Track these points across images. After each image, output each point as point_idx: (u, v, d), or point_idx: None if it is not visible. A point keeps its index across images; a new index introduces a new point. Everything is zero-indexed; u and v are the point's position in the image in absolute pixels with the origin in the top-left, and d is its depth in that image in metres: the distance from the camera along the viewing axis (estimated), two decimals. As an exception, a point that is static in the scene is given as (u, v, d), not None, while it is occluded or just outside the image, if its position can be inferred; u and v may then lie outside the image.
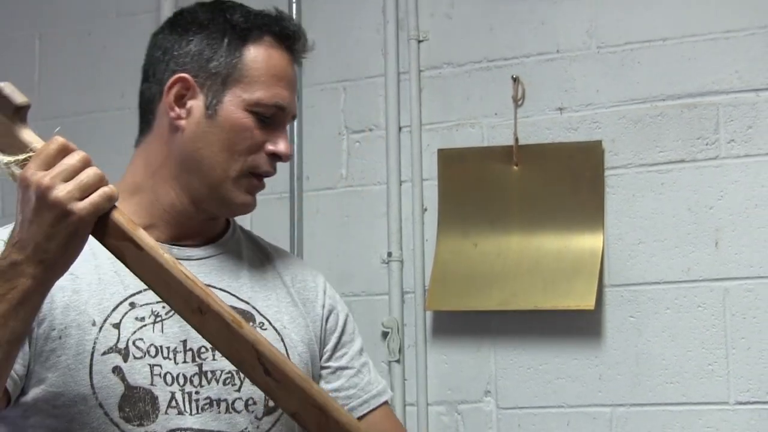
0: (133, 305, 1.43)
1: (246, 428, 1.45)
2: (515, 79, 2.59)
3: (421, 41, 2.71)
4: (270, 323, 1.51)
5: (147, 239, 1.26)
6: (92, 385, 1.38)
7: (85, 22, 3.01)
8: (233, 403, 1.45)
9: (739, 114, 2.43)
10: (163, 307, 1.43)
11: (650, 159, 2.49)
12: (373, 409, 1.60)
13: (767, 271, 2.39)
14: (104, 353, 1.39)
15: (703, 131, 2.46)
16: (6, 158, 1.26)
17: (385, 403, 1.63)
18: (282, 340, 1.51)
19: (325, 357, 1.60)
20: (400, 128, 2.70)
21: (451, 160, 2.62)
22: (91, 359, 1.38)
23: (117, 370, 1.39)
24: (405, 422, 2.60)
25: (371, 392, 1.61)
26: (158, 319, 1.44)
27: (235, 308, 1.33)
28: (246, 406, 1.46)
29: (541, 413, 2.52)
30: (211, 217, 1.54)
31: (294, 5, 2.80)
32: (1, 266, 1.22)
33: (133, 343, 1.41)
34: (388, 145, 2.70)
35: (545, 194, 2.54)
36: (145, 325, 1.43)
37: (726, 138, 2.44)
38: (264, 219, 2.77)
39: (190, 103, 1.49)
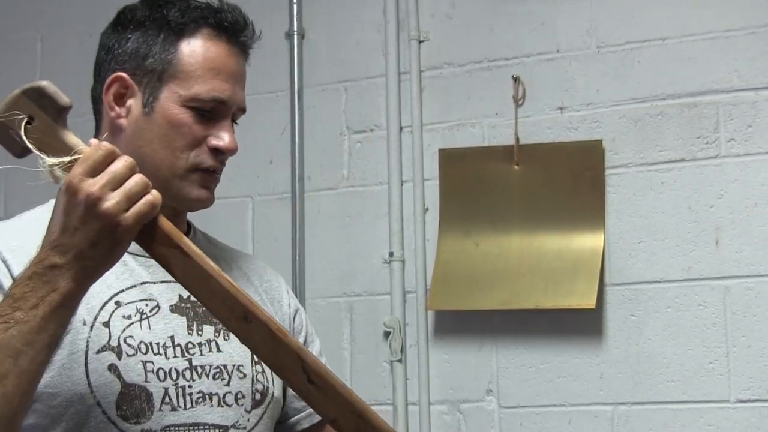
0: (118, 304, 1.44)
1: (237, 421, 1.47)
2: (516, 79, 2.59)
3: (422, 41, 2.71)
4: None
5: (193, 246, 1.26)
6: (89, 384, 1.38)
7: (86, 23, 3.00)
8: (224, 396, 1.46)
9: (739, 113, 2.44)
10: (147, 305, 1.45)
11: (650, 158, 2.49)
12: None
13: (767, 269, 2.39)
14: (98, 351, 1.39)
15: (703, 130, 2.46)
16: (51, 160, 1.24)
17: None
18: None
19: None
20: (401, 128, 2.70)
21: (452, 160, 2.62)
22: (86, 358, 1.38)
23: (113, 368, 1.39)
24: (407, 422, 2.61)
25: None
26: (144, 316, 1.44)
27: None
28: (236, 399, 1.47)
29: (542, 412, 2.52)
30: (171, 214, 1.49)
31: (294, 6, 2.81)
32: (40, 268, 1.21)
33: (124, 340, 1.41)
34: (390, 146, 2.70)
35: (546, 194, 2.54)
36: (132, 323, 1.43)
37: (726, 137, 2.44)
38: (265, 219, 2.80)
39: (129, 102, 1.48)
